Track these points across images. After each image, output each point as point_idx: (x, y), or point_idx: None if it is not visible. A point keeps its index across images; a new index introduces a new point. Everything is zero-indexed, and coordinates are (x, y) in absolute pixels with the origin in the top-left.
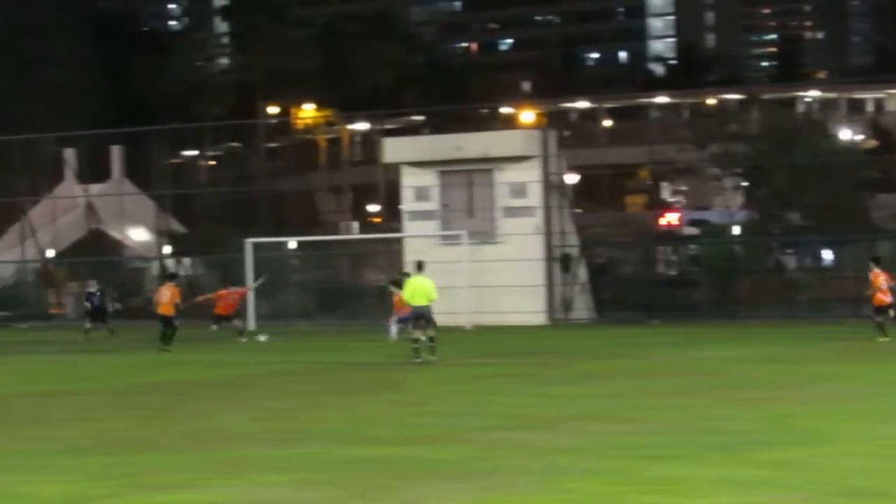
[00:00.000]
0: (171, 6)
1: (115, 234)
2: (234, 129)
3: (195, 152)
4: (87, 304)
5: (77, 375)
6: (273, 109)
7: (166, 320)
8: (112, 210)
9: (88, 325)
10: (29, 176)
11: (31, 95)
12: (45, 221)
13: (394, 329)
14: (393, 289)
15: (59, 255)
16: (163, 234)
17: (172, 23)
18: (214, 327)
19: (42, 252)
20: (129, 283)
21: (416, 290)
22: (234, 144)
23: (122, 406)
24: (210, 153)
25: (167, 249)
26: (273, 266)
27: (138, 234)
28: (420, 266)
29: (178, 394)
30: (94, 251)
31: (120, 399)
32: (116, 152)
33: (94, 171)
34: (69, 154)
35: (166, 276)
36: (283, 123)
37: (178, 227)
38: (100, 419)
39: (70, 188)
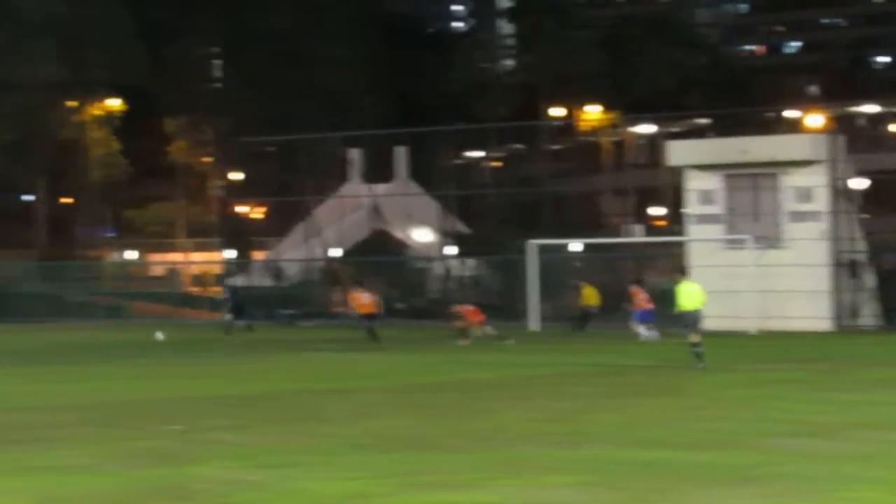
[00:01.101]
0: (457, 8)
1: (398, 233)
2: (517, 130)
3: (479, 153)
4: (228, 300)
5: (358, 373)
6: (556, 111)
7: (367, 318)
8: (396, 210)
9: (229, 319)
10: (315, 176)
11: (316, 97)
12: (330, 221)
13: (642, 330)
14: (636, 288)
15: (344, 254)
16: (446, 235)
17: (457, 24)
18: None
19: (327, 251)
20: (412, 283)
21: (691, 295)
22: (518, 146)
23: (403, 404)
24: (493, 154)
25: (450, 250)
26: (555, 268)
27: (421, 235)
28: (683, 272)
29: (459, 393)
30: (378, 251)
31: (401, 397)
32: (401, 153)
33: (378, 171)
34: (354, 154)
35: (357, 283)
36: (567, 125)
37: (461, 227)
38: (380, 417)
39: (355, 188)
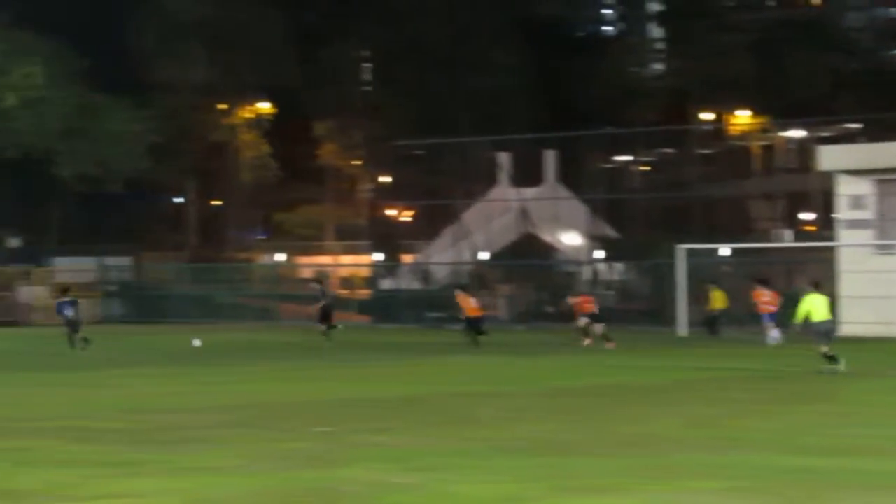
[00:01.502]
0: (606, 11)
1: (546, 237)
2: (666, 134)
3: (628, 157)
4: (323, 302)
5: (507, 377)
6: (706, 115)
7: (473, 322)
8: (544, 214)
9: (321, 324)
10: (463, 179)
11: (465, 100)
12: (478, 224)
13: (774, 333)
14: (760, 289)
15: (492, 257)
16: (595, 239)
17: (606, 28)
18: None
19: (475, 254)
20: (560, 286)
21: (818, 306)
22: (667, 150)
23: (553, 408)
24: (642, 158)
25: (598, 254)
26: (704, 272)
27: (570, 238)
28: (817, 286)
29: (608, 397)
30: (526, 254)
31: (550, 401)
32: (549, 156)
33: (527, 174)
34: (503, 158)
35: (460, 287)
36: (717, 130)
37: (610, 232)
38: (530, 421)
39: (503, 191)
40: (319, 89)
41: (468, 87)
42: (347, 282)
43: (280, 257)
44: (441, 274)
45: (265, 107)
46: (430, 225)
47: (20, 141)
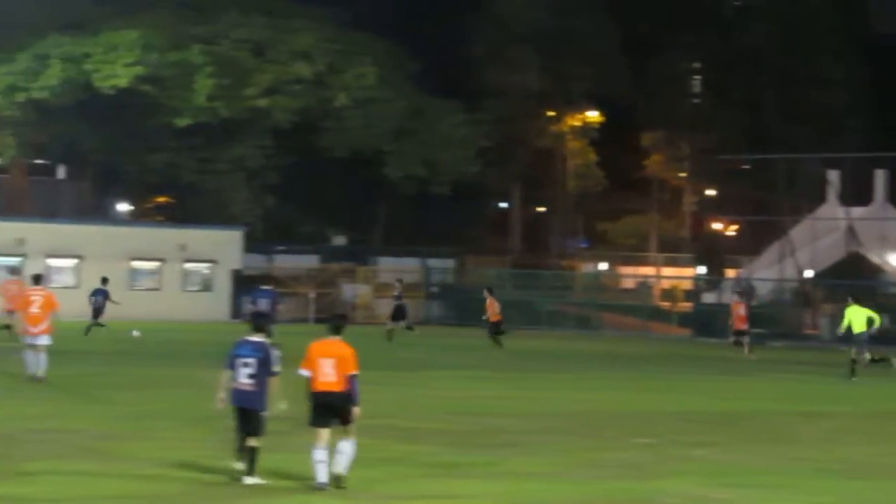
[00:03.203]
0: None
1: (874, 258)
2: None
3: None
4: (400, 304)
5: (828, 397)
6: None
7: (494, 326)
8: (872, 234)
9: (393, 325)
10: (792, 196)
11: (797, 115)
12: (804, 241)
13: None
14: None
15: (817, 275)
16: None
17: None
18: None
19: (800, 272)
20: (886, 307)
21: (859, 319)
22: None
23: (876, 431)
24: None
25: None
26: None
27: None
28: (856, 298)
29: None
30: (852, 274)
31: (873, 424)
32: (880, 176)
33: (856, 193)
34: (833, 176)
35: (489, 290)
36: None
37: None
38: (852, 443)
39: (832, 210)
40: (648, 99)
41: (799, 101)
42: (668, 294)
43: (602, 266)
44: (764, 290)
45: (593, 115)
46: (755, 240)
47: (350, 141)
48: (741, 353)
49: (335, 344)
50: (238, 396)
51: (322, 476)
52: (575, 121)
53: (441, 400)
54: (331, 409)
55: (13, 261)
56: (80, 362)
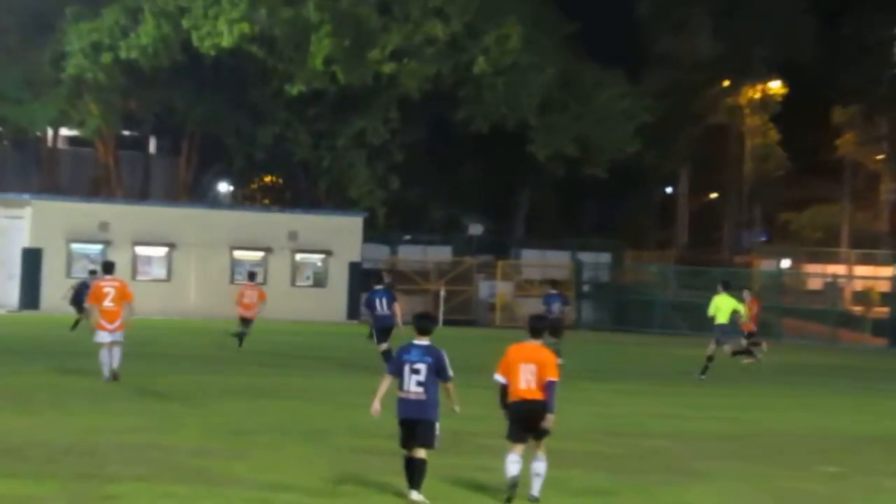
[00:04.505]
0: None
1: None
2: None
3: None
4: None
5: None
6: None
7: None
8: None
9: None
10: None
11: None
12: None
13: None
14: None
15: None
16: None
17: None
18: None
19: None
20: None
21: (721, 308)
22: None
23: None
24: None
25: None
26: None
27: None
28: (725, 285)
29: None
30: None
31: None
32: None
33: None
34: None
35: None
36: None
37: None
38: None
39: None
40: (841, 69)
41: None
42: (861, 296)
43: (784, 264)
44: None
45: (775, 86)
46: None
47: (490, 113)
48: None
49: (536, 348)
50: (406, 407)
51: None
52: (754, 93)
53: (599, 417)
54: (531, 421)
55: (97, 249)
56: (174, 368)
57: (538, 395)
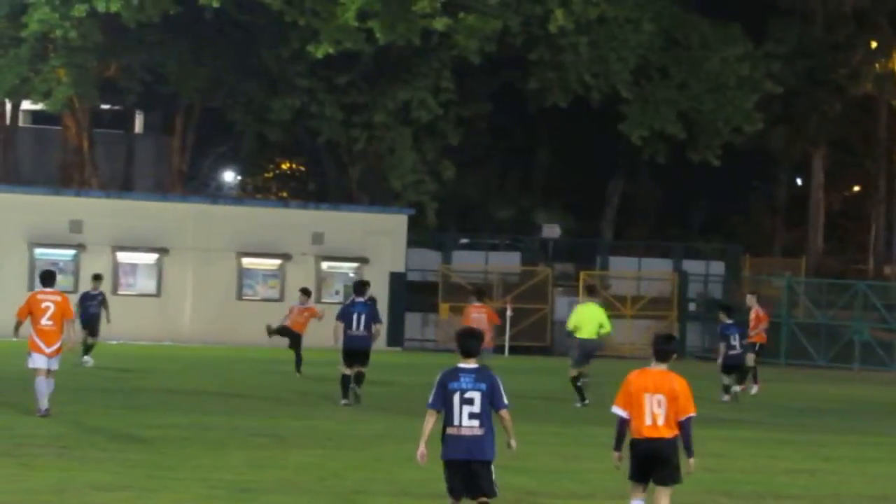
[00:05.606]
0: None
1: None
2: None
3: None
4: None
5: None
6: None
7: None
8: None
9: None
10: None
11: None
12: None
13: None
14: None
15: None
16: None
17: None
18: None
19: None
20: None
21: (585, 320)
22: None
23: None
24: None
25: None
26: None
27: None
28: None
29: None
30: None
31: None
32: None
33: None
34: None
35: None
36: None
37: None
38: None
39: None
40: None
41: None
42: None
43: None
44: None
45: None
46: None
47: (570, 82)
48: None
49: (664, 374)
50: (456, 445)
51: None
52: None
53: (705, 472)
54: (657, 461)
55: (67, 255)
56: (164, 407)
57: (665, 433)
